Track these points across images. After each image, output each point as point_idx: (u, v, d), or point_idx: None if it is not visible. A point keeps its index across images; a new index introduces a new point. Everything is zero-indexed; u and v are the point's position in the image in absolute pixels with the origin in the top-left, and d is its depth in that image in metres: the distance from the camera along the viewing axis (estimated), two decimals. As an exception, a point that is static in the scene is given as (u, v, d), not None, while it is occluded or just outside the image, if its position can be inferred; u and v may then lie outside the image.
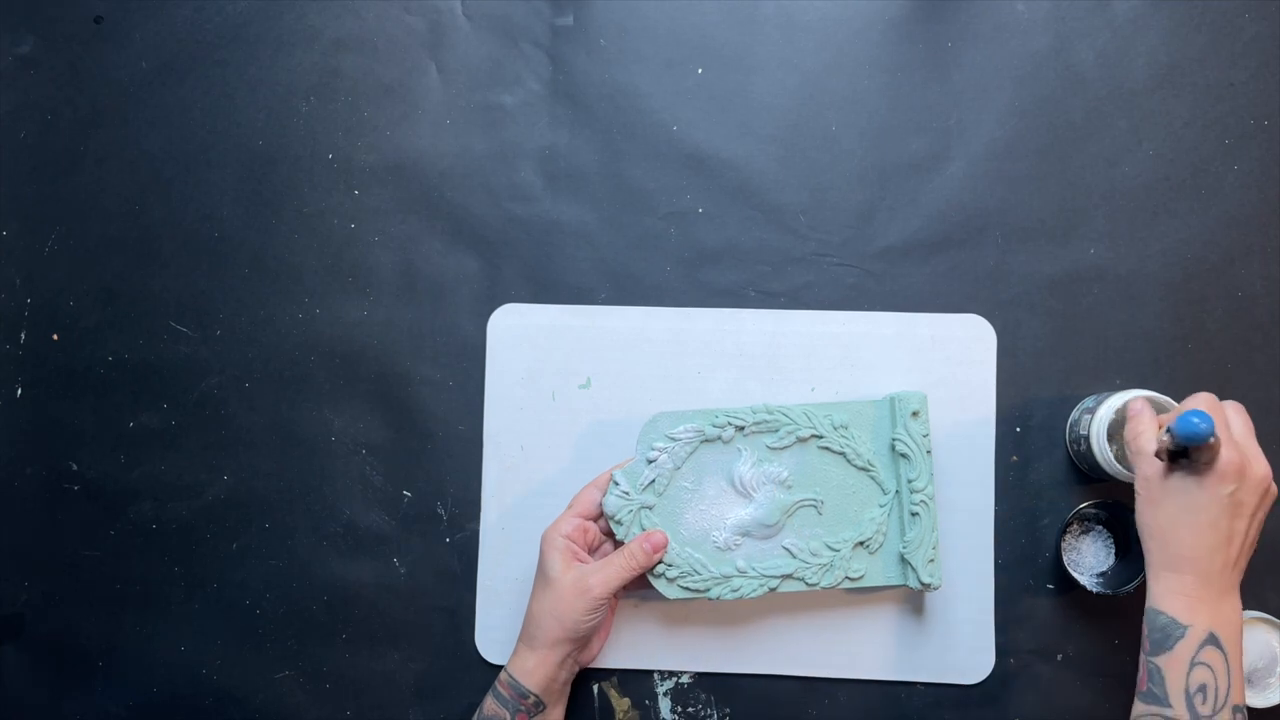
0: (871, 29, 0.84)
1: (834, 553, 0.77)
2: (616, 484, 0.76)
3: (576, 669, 0.76)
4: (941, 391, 0.81)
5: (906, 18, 0.84)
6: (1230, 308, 0.81)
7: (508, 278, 0.84)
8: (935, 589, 0.76)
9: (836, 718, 0.80)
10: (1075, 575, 0.77)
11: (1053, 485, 0.80)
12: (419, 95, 0.85)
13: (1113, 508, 0.77)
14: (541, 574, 0.74)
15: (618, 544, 0.76)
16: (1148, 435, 0.67)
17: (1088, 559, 0.80)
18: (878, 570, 0.77)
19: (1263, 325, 0.80)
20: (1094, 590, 0.77)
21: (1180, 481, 0.64)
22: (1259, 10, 0.82)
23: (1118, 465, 0.74)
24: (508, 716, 0.72)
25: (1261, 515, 0.65)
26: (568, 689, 0.76)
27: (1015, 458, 0.81)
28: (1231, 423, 0.66)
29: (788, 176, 0.83)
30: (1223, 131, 0.82)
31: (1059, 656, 0.79)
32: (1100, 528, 0.80)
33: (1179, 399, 0.80)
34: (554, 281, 0.83)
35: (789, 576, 0.76)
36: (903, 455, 0.76)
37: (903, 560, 0.76)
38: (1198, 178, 0.82)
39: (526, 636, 0.74)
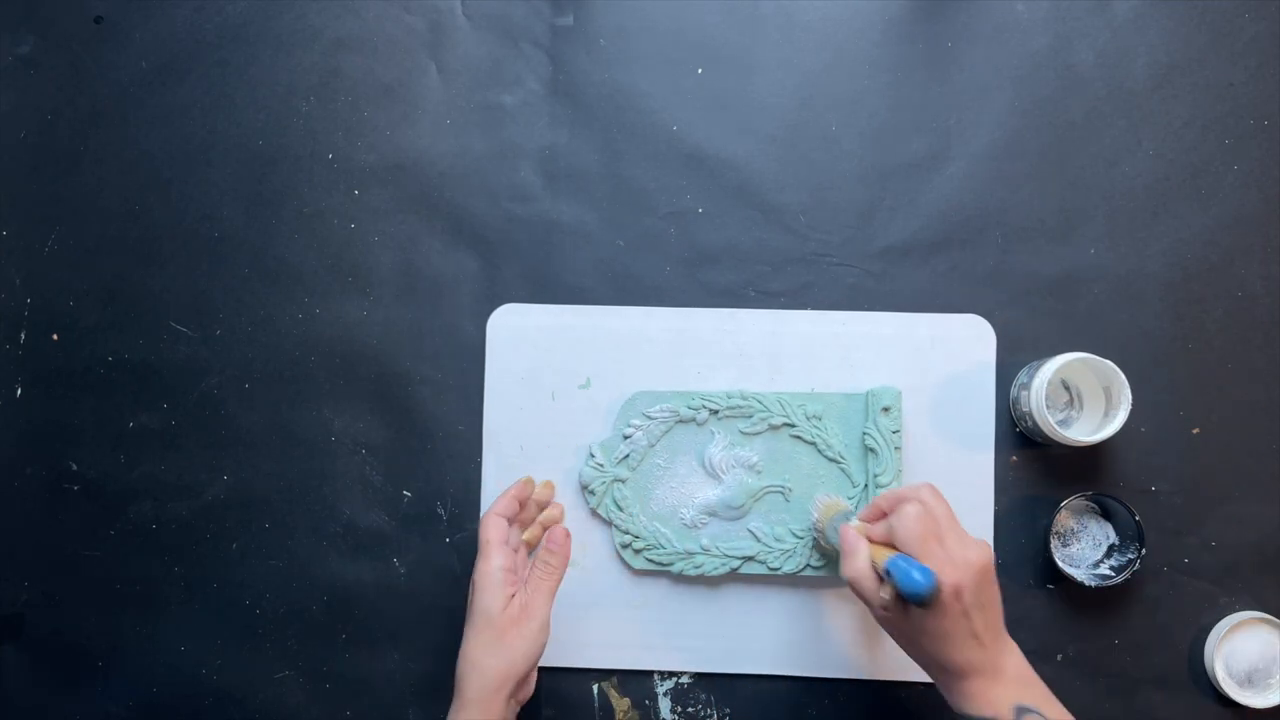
0: (871, 29, 0.84)
1: (798, 540, 0.78)
2: (592, 455, 0.79)
3: (517, 708, 0.71)
4: (941, 391, 0.81)
5: (906, 18, 0.84)
6: (1230, 308, 0.81)
7: (508, 278, 0.84)
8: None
9: (836, 718, 0.80)
10: (1065, 569, 0.77)
11: (1053, 485, 0.80)
12: (419, 95, 0.85)
13: (1105, 500, 0.78)
14: (479, 613, 0.69)
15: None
16: (867, 575, 0.66)
17: (1088, 553, 0.80)
18: (840, 561, 0.77)
19: (1263, 325, 0.80)
20: (1090, 585, 0.77)
21: (917, 613, 0.64)
22: (1259, 10, 0.82)
23: (1063, 432, 0.74)
24: None
25: (994, 581, 0.65)
26: None
27: (1015, 458, 0.81)
28: (929, 542, 0.64)
29: (788, 176, 0.83)
30: (1223, 131, 0.82)
31: (1059, 656, 0.79)
32: (1095, 521, 0.80)
33: (1178, 398, 0.80)
34: (554, 281, 0.84)
35: (751, 559, 0.79)
36: (871, 450, 0.77)
37: None
38: (1198, 178, 0.82)
39: (465, 691, 0.68)
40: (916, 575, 0.61)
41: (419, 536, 0.83)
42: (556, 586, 0.72)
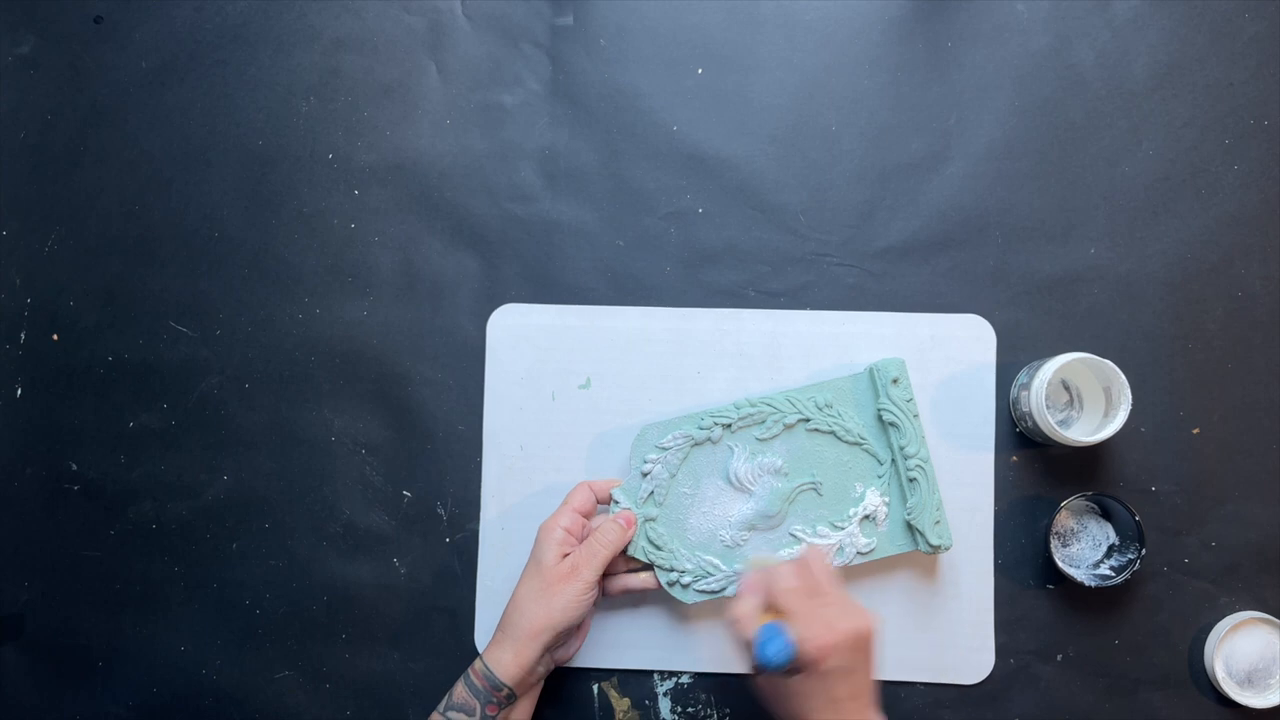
0: (871, 29, 0.84)
1: (840, 531, 0.77)
2: (617, 503, 0.77)
3: (552, 666, 0.76)
4: (941, 391, 0.81)
5: (906, 18, 0.84)
6: (1230, 308, 0.81)
7: (508, 278, 0.84)
8: (946, 549, 0.76)
9: (836, 718, 0.80)
10: (1065, 569, 0.77)
11: (1053, 485, 0.80)
12: (419, 95, 0.85)
13: (1106, 500, 0.78)
14: (534, 562, 0.74)
15: None
16: (747, 624, 0.67)
17: (1088, 553, 0.80)
18: (886, 541, 0.78)
19: (1263, 325, 0.81)
20: (1090, 585, 0.77)
21: (785, 679, 0.65)
22: (1259, 10, 0.82)
23: (1063, 432, 0.75)
24: (478, 706, 0.72)
25: (868, 653, 0.65)
26: (540, 686, 0.76)
27: (1015, 458, 0.81)
28: (801, 602, 0.66)
29: (788, 176, 0.83)
30: (1223, 131, 0.82)
31: (1059, 656, 0.79)
32: (1095, 521, 0.80)
33: (1178, 398, 0.80)
34: (554, 281, 0.84)
35: None
36: (891, 424, 0.77)
37: (909, 527, 0.77)
38: (1198, 178, 0.82)
39: (507, 627, 0.73)
40: (775, 647, 0.63)
41: (419, 536, 0.83)
42: (608, 558, 0.74)
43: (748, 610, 0.68)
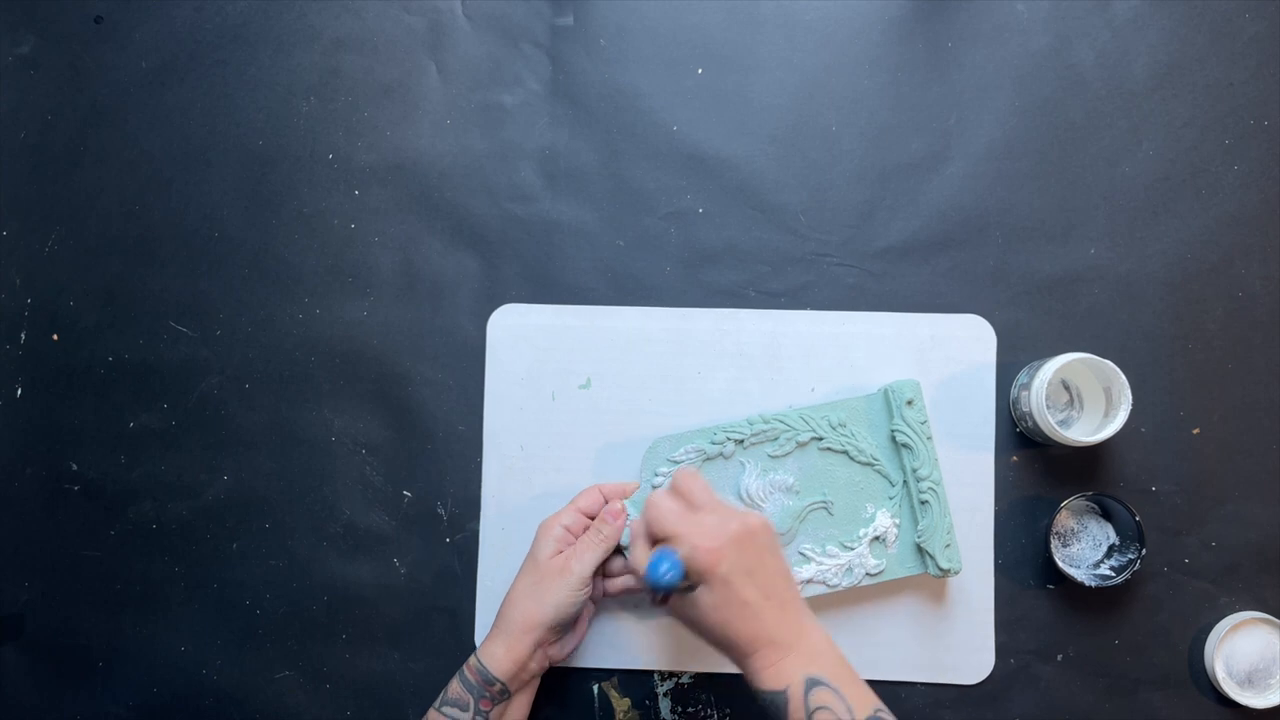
0: (871, 29, 0.84)
1: (850, 551, 0.77)
2: (626, 515, 0.76)
3: (547, 664, 0.76)
4: (941, 391, 0.81)
5: (906, 18, 0.84)
6: (1230, 308, 0.81)
7: (508, 278, 0.84)
8: (956, 574, 0.76)
9: (836, 718, 0.80)
10: (1065, 569, 0.77)
11: (1053, 485, 0.80)
12: (419, 95, 0.85)
13: (1105, 500, 0.78)
14: (530, 558, 0.74)
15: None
16: (639, 561, 0.67)
17: (1088, 553, 0.80)
18: (896, 563, 0.77)
19: (1263, 325, 0.81)
20: (1091, 585, 0.77)
21: (693, 595, 0.65)
22: (1259, 10, 0.82)
23: (1063, 432, 0.75)
24: (471, 702, 0.72)
25: (768, 550, 0.65)
26: (536, 682, 0.76)
27: (1015, 458, 0.81)
28: (679, 520, 0.66)
29: (788, 176, 0.83)
30: (1223, 131, 0.82)
31: (1059, 656, 0.79)
32: (1095, 521, 0.80)
33: (1178, 398, 0.80)
34: (554, 281, 0.84)
35: (809, 581, 0.77)
36: (904, 445, 0.77)
37: (919, 549, 0.77)
38: (1198, 178, 0.82)
39: (501, 621, 0.73)
40: (664, 566, 0.62)
41: (419, 536, 0.83)
42: (600, 557, 0.74)
43: (638, 553, 0.68)
